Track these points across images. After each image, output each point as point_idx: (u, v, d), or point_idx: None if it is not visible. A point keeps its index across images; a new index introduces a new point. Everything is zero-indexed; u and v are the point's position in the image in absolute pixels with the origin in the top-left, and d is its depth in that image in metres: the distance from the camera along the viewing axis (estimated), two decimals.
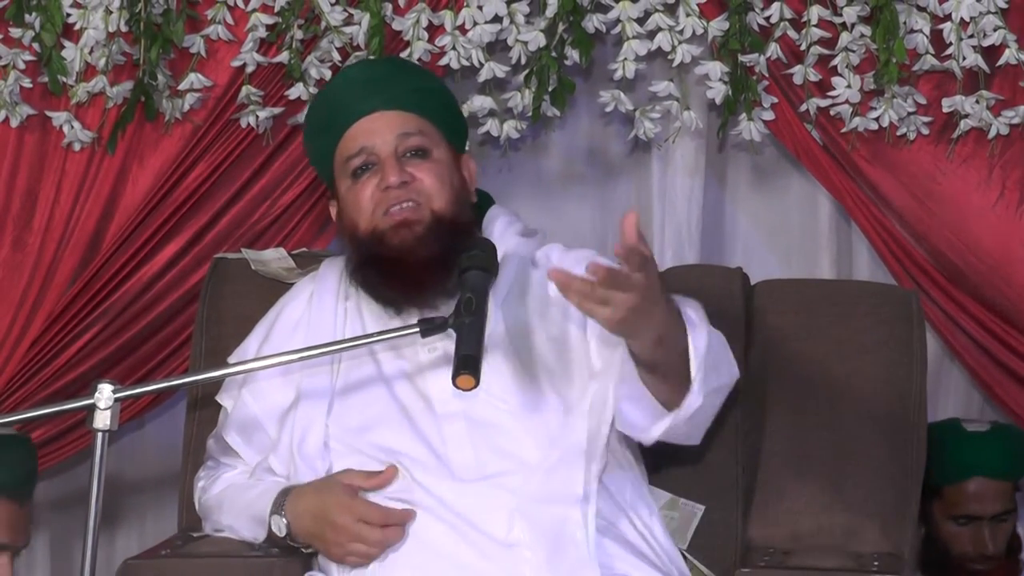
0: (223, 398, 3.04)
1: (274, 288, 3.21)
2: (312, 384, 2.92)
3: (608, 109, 3.49)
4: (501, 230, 2.97)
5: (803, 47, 3.42)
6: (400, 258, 2.83)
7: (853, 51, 3.39)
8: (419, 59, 3.42)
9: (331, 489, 2.81)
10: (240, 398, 2.98)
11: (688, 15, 3.40)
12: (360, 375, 2.91)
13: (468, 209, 2.93)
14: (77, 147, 3.54)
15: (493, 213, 3.03)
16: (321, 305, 2.98)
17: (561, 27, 3.43)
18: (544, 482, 2.77)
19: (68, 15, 3.47)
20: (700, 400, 2.64)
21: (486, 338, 2.72)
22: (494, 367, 2.80)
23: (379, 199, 2.85)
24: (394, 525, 2.75)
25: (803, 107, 3.46)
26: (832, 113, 3.45)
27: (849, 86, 3.41)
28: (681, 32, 3.40)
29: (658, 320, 2.54)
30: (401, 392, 2.88)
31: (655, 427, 2.70)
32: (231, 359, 3.03)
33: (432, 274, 2.81)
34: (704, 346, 2.62)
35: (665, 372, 2.64)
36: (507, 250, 2.91)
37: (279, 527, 2.83)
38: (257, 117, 3.51)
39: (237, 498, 2.93)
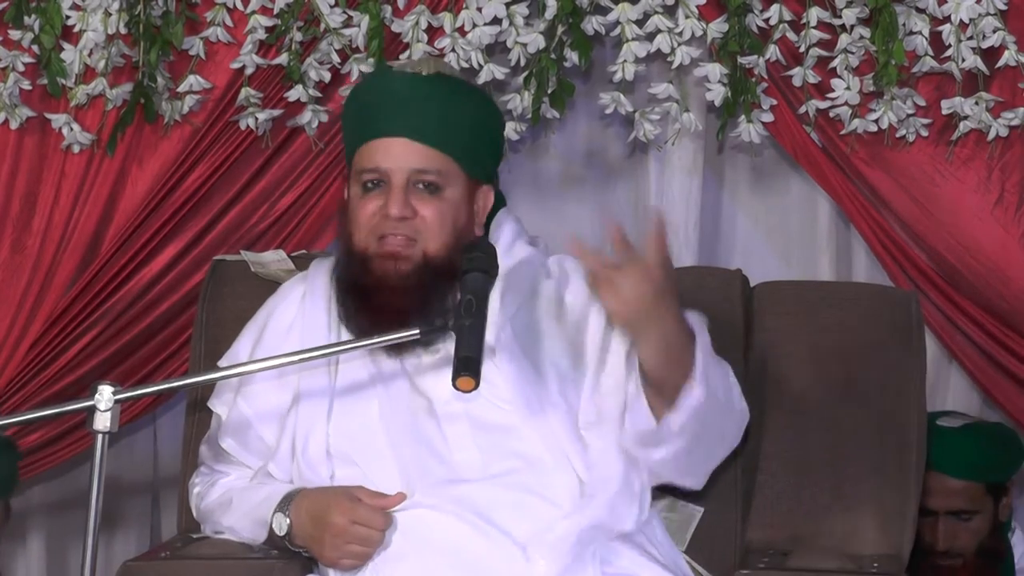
0: (215, 404, 3.01)
1: (273, 290, 3.21)
2: (310, 387, 2.91)
3: (608, 111, 3.49)
4: (509, 239, 2.95)
5: (802, 49, 3.42)
6: (378, 288, 2.83)
7: (852, 53, 3.39)
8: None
9: (334, 494, 2.81)
10: (235, 403, 2.97)
11: (687, 17, 3.40)
12: (359, 377, 2.90)
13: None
14: (76, 149, 3.54)
15: (500, 219, 3.00)
16: (314, 306, 2.96)
17: (560, 29, 3.43)
18: (549, 480, 2.77)
19: (67, 17, 3.47)
20: (702, 395, 2.64)
21: (492, 341, 2.74)
22: (499, 369, 2.80)
23: (377, 222, 2.84)
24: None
25: (802, 109, 3.46)
26: (831, 115, 3.46)
27: (848, 88, 3.41)
28: (680, 34, 3.40)
29: (668, 327, 2.58)
30: (402, 393, 2.87)
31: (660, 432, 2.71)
32: (221, 363, 3.01)
33: (405, 313, 2.78)
34: (703, 362, 2.66)
35: (670, 391, 2.68)
36: (520, 259, 2.91)
37: (280, 525, 2.82)
38: (256, 119, 3.51)
39: (242, 500, 2.93)
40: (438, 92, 2.91)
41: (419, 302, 2.80)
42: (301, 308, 2.98)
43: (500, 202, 3.04)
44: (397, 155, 2.85)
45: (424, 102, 2.89)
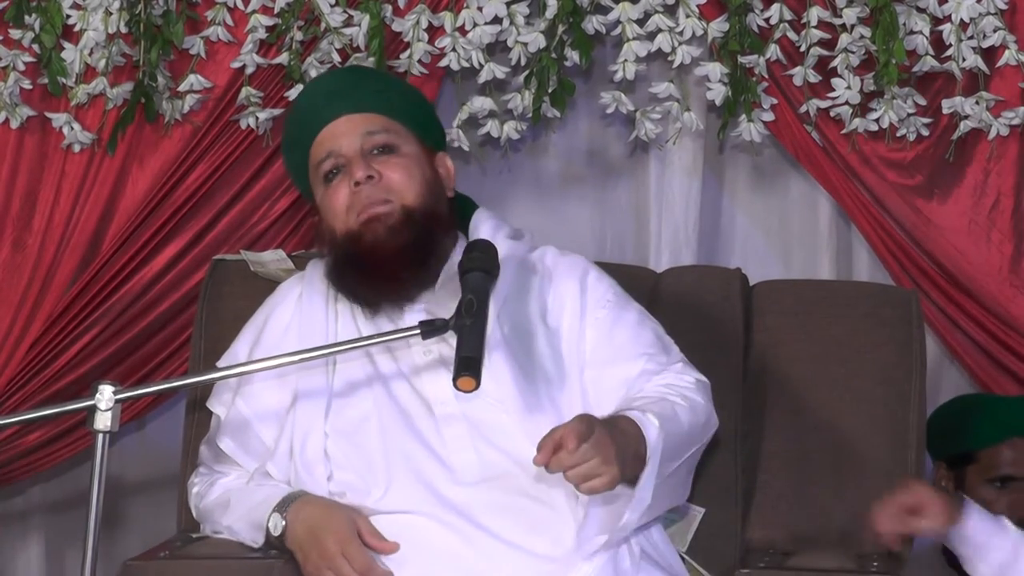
0: (214, 405, 3.01)
1: (273, 290, 3.21)
2: (308, 387, 2.91)
3: (609, 110, 3.49)
4: (489, 234, 2.96)
5: (803, 48, 3.42)
6: (374, 252, 2.85)
7: (853, 52, 3.39)
8: (419, 60, 3.43)
9: (337, 514, 2.81)
10: (233, 404, 2.97)
11: (688, 16, 3.40)
12: (357, 377, 2.91)
13: (443, 203, 2.94)
14: (77, 148, 3.54)
15: (479, 217, 3.02)
16: (311, 306, 2.97)
17: (561, 28, 3.43)
18: (544, 482, 2.77)
19: (68, 16, 3.47)
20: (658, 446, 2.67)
21: (485, 341, 2.73)
22: (493, 370, 2.79)
23: (351, 201, 2.88)
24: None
25: (803, 108, 3.46)
26: (832, 114, 3.46)
27: (849, 87, 3.41)
28: (681, 33, 3.40)
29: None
30: (399, 394, 2.88)
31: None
32: (220, 363, 3.01)
33: (406, 265, 2.83)
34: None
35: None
36: (502, 254, 2.91)
37: (276, 525, 2.82)
38: (257, 118, 3.51)
39: (240, 501, 2.92)
40: (361, 75, 3.09)
41: (414, 253, 2.84)
42: (298, 308, 2.98)
43: (473, 206, 3.05)
44: (344, 131, 2.92)
45: (354, 83, 3.00)
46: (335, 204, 2.89)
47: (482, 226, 2.99)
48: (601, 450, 2.57)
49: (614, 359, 2.87)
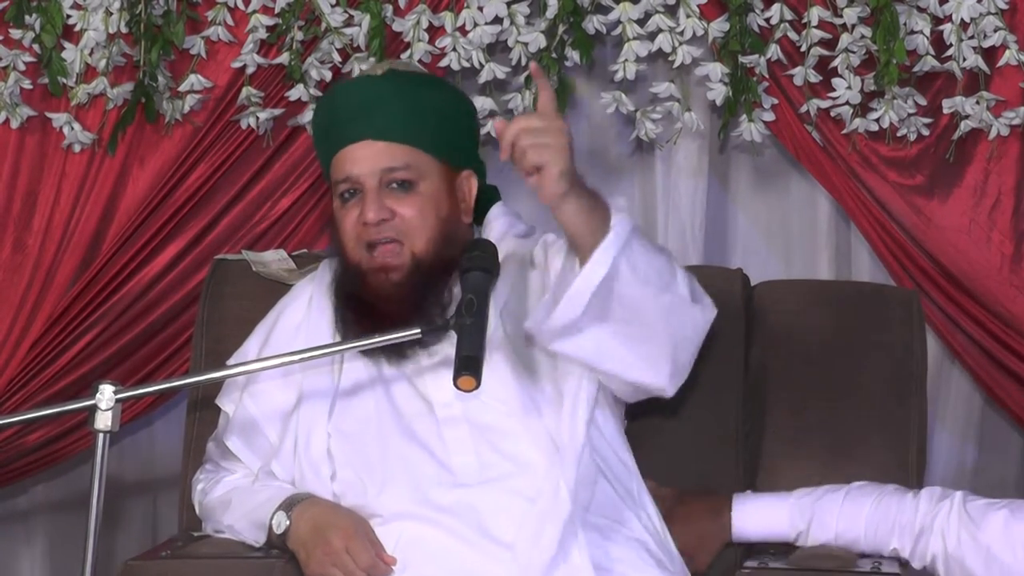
0: (223, 402, 3.03)
1: (274, 290, 3.21)
2: (314, 387, 2.91)
3: (609, 110, 3.49)
4: (500, 233, 2.96)
5: (803, 48, 3.42)
6: (376, 302, 2.84)
7: (853, 52, 3.39)
8: (419, 60, 3.43)
9: (344, 514, 2.81)
10: (241, 402, 2.98)
11: (688, 16, 3.40)
12: (361, 378, 2.91)
13: (457, 238, 2.88)
14: (77, 148, 3.55)
15: (493, 214, 3.02)
16: (320, 307, 2.97)
17: (561, 28, 3.43)
18: (542, 485, 2.76)
19: (68, 16, 3.48)
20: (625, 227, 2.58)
21: (486, 340, 2.73)
22: (494, 369, 2.79)
23: (360, 231, 2.85)
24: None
25: (803, 108, 3.46)
26: (832, 114, 3.46)
27: (849, 87, 3.41)
28: (682, 33, 3.40)
29: (585, 190, 2.58)
30: (401, 396, 2.88)
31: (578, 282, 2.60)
32: (230, 362, 3.02)
33: (405, 314, 2.78)
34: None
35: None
36: (506, 253, 2.91)
37: (279, 524, 2.83)
38: (257, 118, 3.51)
39: (242, 501, 2.93)
40: (395, 88, 2.92)
41: (415, 307, 2.81)
42: (308, 309, 2.99)
43: (495, 196, 3.04)
44: (364, 159, 2.86)
45: (382, 101, 2.90)
46: (345, 226, 2.88)
47: (494, 224, 2.99)
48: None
49: None
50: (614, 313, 2.62)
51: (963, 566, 2.83)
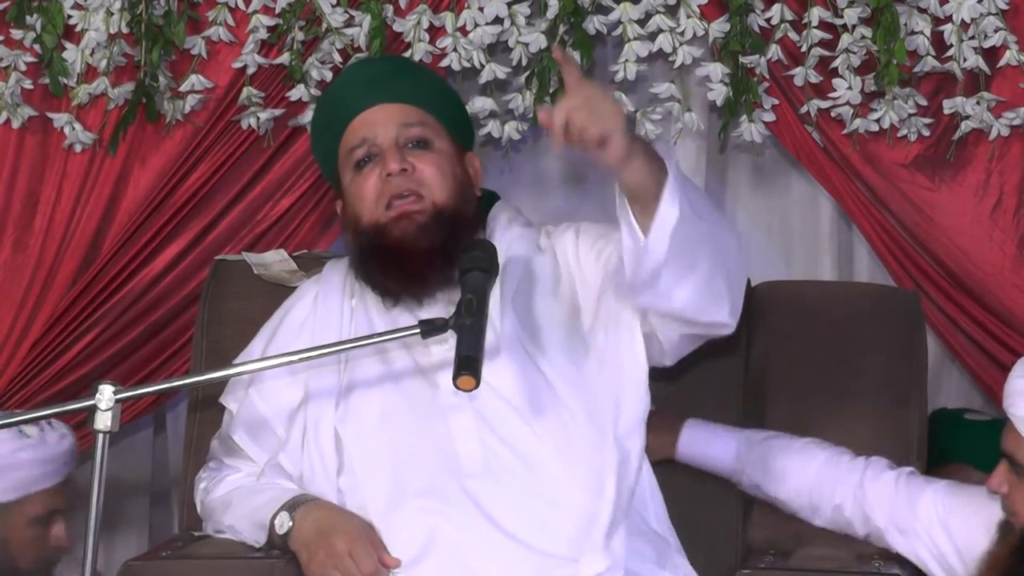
0: (227, 400, 3.04)
1: (275, 290, 3.22)
2: (320, 383, 2.92)
3: None
4: (504, 227, 2.98)
5: (804, 49, 3.42)
6: (401, 248, 2.86)
7: (854, 53, 3.39)
8: (420, 60, 3.43)
9: (348, 518, 2.81)
10: (247, 398, 2.98)
11: (689, 17, 3.40)
12: (367, 372, 2.92)
13: (472, 203, 2.95)
14: (78, 148, 3.55)
15: (497, 210, 3.04)
16: (327, 304, 2.98)
17: (562, 28, 3.43)
18: (548, 481, 2.77)
19: (69, 17, 3.48)
20: (677, 196, 2.59)
21: (496, 335, 2.74)
22: (501, 368, 2.80)
23: (381, 189, 2.88)
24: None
25: (804, 109, 3.46)
26: (833, 115, 3.46)
27: (850, 88, 3.41)
28: (682, 34, 3.40)
29: (641, 142, 2.60)
30: (408, 388, 2.89)
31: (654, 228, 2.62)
32: (236, 361, 3.02)
33: (433, 264, 2.84)
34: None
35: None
36: (512, 244, 2.92)
37: (282, 524, 2.83)
38: (258, 119, 3.51)
39: (244, 501, 2.93)
40: (400, 66, 3.09)
41: (442, 250, 2.84)
42: (314, 307, 3.00)
43: (495, 198, 3.06)
44: (379, 120, 2.92)
45: (392, 73, 3.00)
46: (364, 191, 2.90)
47: (498, 219, 3.00)
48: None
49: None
50: (684, 255, 2.64)
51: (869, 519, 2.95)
